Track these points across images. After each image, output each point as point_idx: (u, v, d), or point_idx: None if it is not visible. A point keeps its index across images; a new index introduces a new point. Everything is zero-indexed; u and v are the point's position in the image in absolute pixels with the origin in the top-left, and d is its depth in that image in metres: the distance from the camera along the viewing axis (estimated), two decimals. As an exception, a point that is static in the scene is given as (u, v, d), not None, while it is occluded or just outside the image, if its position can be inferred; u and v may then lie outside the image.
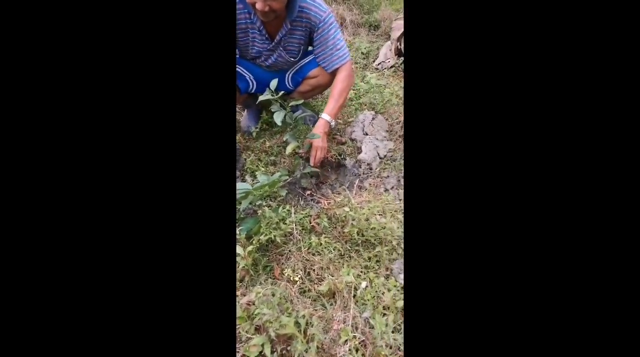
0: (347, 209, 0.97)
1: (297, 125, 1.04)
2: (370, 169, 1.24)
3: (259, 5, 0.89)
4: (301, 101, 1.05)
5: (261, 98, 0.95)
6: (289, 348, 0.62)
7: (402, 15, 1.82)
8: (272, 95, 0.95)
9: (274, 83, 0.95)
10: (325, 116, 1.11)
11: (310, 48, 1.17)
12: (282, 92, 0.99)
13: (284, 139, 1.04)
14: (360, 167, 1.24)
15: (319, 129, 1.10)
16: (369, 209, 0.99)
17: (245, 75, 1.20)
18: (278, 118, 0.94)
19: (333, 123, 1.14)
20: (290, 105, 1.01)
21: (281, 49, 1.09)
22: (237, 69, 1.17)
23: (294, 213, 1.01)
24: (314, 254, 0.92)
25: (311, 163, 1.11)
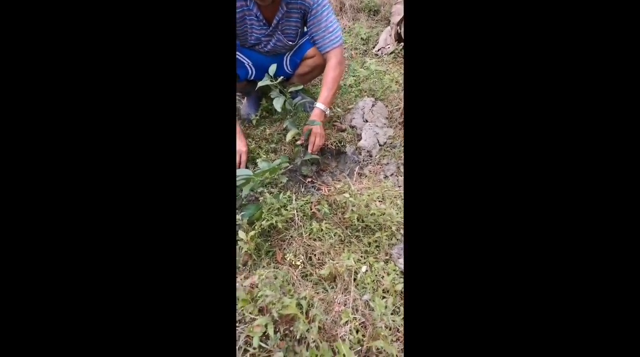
0: (347, 195, 0.98)
1: (297, 112, 1.04)
2: (370, 156, 1.24)
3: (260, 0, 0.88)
4: (300, 87, 1.04)
5: (260, 84, 0.94)
6: (291, 328, 0.64)
7: (402, -1, 1.79)
8: (271, 81, 0.94)
9: (272, 68, 0.94)
10: (319, 105, 1.11)
11: (305, 29, 1.16)
12: (282, 77, 0.98)
13: (284, 126, 1.04)
14: (360, 155, 1.25)
15: (315, 118, 1.11)
16: (368, 196, 1.00)
17: (244, 61, 1.19)
18: (277, 104, 0.94)
19: (328, 111, 1.14)
20: (289, 91, 1.01)
21: (279, 32, 1.08)
22: (236, 56, 1.16)
23: (295, 200, 1.02)
24: (315, 240, 0.94)
25: (309, 150, 1.12)
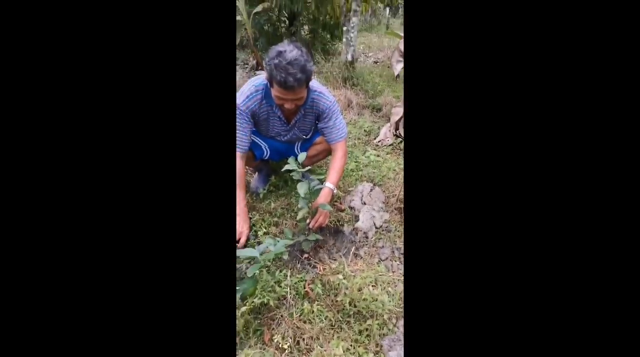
0: (341, 276, 1.01)
1: (314, 195, 1.16)
2: (367, 237, 1.30)
3: (287, 105, 1.12)
4: (306, 169, 1.19)
5: (286, 167, 1.08)
6: None
7: (401, 102, 2.11)
8: (298, 167, 1.08)
9: (302, 156, 1.10)
10: (329, 185, 1.26)
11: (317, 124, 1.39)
12: (292, 157, 1.13)
13: (299, 205, 1.15)
14: (357, 235, 1.31)
15: (323, 197, 1.23)
16: (362, 279, 1.02)
17: (261, 144, 1.38)
18: (302, 189, 1.06)
19: (335, 191, 1.28)
20: (303, 173, 1.14)
21: (296, 129, 1.30)
22: (254, 139, 1.35)
23: (290, 276, 1.04)
24: (305, 322, 0.93)
25: (311, 225, 1.19)
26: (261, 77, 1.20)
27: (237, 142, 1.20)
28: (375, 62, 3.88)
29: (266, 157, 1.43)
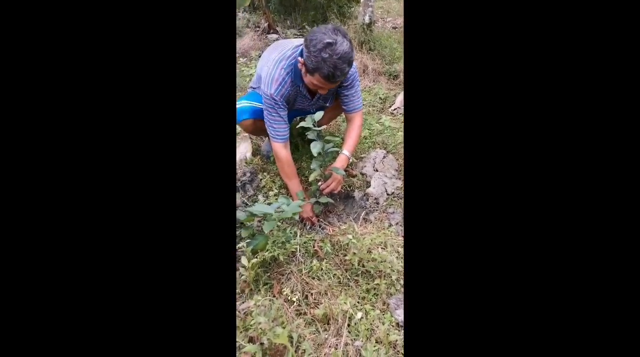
0: (350, 237, 1.01)
1: (327, 157, 1.14)
2: (377, 203, 1.28)
3: (322, 91, 1.08)
4: (322, 129, 1.16)
5: (302, 124, 1.05)
6: (278, 364, 0.63)
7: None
8: (314, 126, 1.05)
9: (318, 115, 1.07)
10: (345, 152, 1.23)
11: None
12: (309, 116, 1.09)
13: (312, 166, 1.13)
14: (368, 201, 1.29)
15: (340, 162, 1.21)
16: (371, 240, 1.02)
17: None
18: (315, 148, 1.04)
19: (351, 159, 1.25)
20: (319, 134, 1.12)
21: (319, 100, 1.25)
22: None
23: (300, 235, 1.05)
24: (313, 278, 0.94)
25: (322, 187, 1.18)
26: (285, 55, 1.11)
27: (278, 133, 1.14)
28: (394, 28, 3.64)
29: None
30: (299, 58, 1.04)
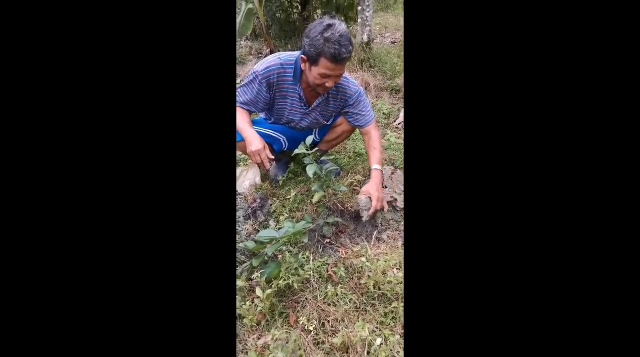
0: (364, 259, 1.00)
1: (327, 178, 1.15)
2: (388, 221, 1.27)
3: (329, 84, 1.07)
4: (331, 156, 1.18)
5: (296, 151, 1.08)
6: (299, 401, 0.61)
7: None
8: (306, 150, 1.07)
9: (309, 139, 1.09)
10: (377, 166, 1.23)
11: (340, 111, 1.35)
12: (311, 143, 1.11)
13: (313, 188, 1.14)
14: (379, 219, 1.28)
15: (376, 178, 1.21)
16: (385, 261, 1.00)
17: (279, 138, 1.37)
18: (310, 171, 1.06)
19: (383, 171, 1.29)
20: (320, 158, 1.14)
21: (317, 113, 1.27)
22: (270, 133, 1.34)
23: (312, 260, 1.04)
24: (329, 304, 0.93)
25: (372, 210, 1.16)
26: (288, 53, 1.15)
27: (242, 98, 1.12)
28: (393, 42, 3.71)
29: (285, 148, 1.42)
30: (301, 56, 1.06)
